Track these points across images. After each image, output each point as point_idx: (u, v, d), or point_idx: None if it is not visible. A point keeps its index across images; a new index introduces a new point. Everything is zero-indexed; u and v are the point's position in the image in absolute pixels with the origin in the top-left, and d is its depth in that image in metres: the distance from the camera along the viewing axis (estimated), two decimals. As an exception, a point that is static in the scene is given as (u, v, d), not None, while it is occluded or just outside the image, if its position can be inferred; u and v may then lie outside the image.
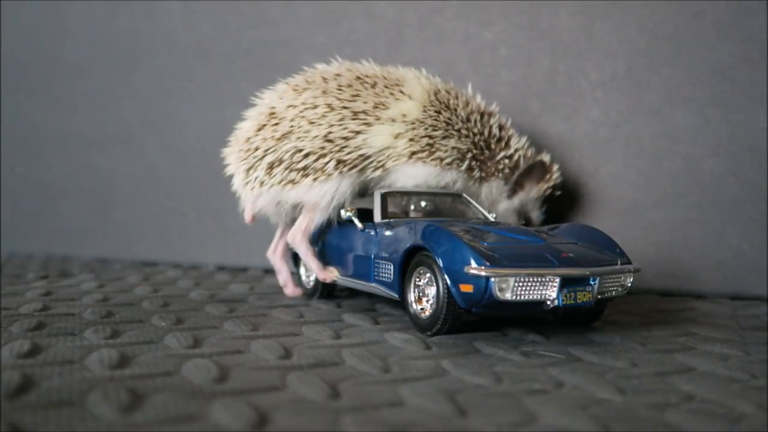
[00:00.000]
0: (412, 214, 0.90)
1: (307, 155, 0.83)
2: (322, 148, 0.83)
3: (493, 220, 0.88)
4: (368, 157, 0.85)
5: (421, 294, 0.71)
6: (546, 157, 0.96)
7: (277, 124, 0.85)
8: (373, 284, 0.79)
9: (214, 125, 1.31)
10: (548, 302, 0.66)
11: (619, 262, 0.71)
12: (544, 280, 0.65)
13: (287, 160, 0.83)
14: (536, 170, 0.95)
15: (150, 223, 1.36)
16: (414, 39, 1.17)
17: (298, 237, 0.86)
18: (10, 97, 1.46)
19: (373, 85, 0.88)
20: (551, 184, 0.97)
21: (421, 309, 0.71)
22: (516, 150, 0.93)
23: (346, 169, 0.83)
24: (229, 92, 1.29)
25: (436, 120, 0.87)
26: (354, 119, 0.84)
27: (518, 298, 0.65)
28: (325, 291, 0.91)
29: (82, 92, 1.40)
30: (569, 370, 0.57)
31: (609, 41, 1.05)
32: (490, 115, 0.94)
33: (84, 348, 0.61)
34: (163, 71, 1.34)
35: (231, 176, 0.90)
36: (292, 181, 0.83)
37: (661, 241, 1.03)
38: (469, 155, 0.90)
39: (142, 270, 1.21)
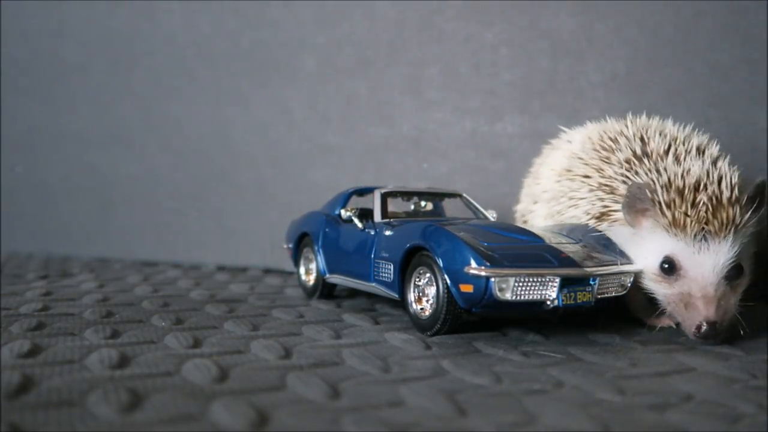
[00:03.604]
0: (412, 215, 0.90)
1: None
2: None
3: (493, 219, 0.88)
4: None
5: (421, 294, 0.71)
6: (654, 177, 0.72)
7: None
8: (373, 284, 0.79)
9: (214, 125, 1.31)
10: (548, 302, 0.66)
11: (619, 262, 0.71)
12: (544, 280, 0.65)
13: None
14: (633, 197, 0.70)
15: (150, 223, 1.36)
16: (414, 39, 1.17)
17: None
18: (10, 97, 1.46)
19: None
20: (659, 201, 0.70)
21: (421, 309, 0.71)
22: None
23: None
24: (229, 92, 1.29)
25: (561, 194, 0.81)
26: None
27: (518, 298, 0.65)
28: (325, 291, 0.91)
29: (81, 92, 1.41)
30: (569, 370, 0.57)
31: (609, 41, 1.05)
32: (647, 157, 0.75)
33: (84, 348, 0.61)
34: (163, 71, 1.34)
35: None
36: None
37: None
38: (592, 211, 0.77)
39: (142, 270, 1.21)
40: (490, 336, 0.70)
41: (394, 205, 0.90)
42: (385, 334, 0.69)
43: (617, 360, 0.61)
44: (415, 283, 0.72)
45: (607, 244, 0.74)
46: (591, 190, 0.77)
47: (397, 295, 0.75)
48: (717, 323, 0.66)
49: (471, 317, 0.73)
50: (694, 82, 1.01)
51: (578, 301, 0.67)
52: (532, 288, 0.65)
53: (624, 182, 0.74)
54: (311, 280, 0.93)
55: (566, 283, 0.66)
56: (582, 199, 0.78)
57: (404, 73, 1.17)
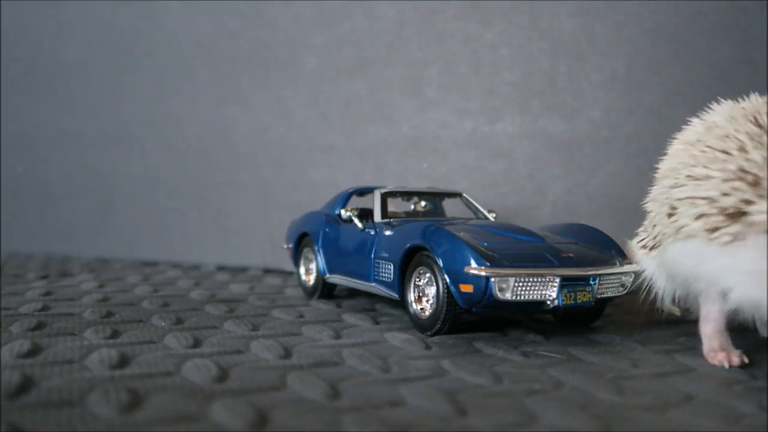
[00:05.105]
0: (412, 214, 0.90)
1: None
2: None
3: (493, 219, 0.88)
4: None
5: (421, 294, 0.71)
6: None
7: None
8: (373, 284, 0.79)
9: (214, 125, 1.31)
10: (548, 302, 0.66)
11: (618, 262, 0.71)
12: (544, 280, 0.65)
13: None
14: None
15: (150, 223, 1.36)
16: (414, 39, 1.17)
17: None
18: (10, 97, 1.46)
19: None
20: None
21: (421, 309, 0.71)
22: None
23: None
24: (229, 92, 1.29)
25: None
26: None
27: (518, 298, 0.65)
28: (325, 291, 0.91)
29: (82, 92, 1.40)
30: (569, 370, 0.57)
31: (609, 41, 1.05)
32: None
33: (84, 348, 0.61)
34: (163, 71, 1.34)
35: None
36: None
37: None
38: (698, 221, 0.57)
39: (142, 270, 1.21)
40: (490, 336, 0.70)
41: (394, 205, 0.90)
42: (385, 334, 0.69)
43: (617, 360, 0.61)
44: (415, 283, 0.72)
45: (607, 244, 0.74)
46: (725, 175, 0.55)
47: (397, 295, 0.75)
48: None
49: (471, 317, 0.73)
50: (694, 82, 1.01)
51: (578, 301, 0.67)
52: (532, 288, 0.65)
53: None
54: (311, 280, 0.93)
55: (566, 283, 0.66)
56: (710, 178, 0.56)
57: (404, 73, 1.17)
